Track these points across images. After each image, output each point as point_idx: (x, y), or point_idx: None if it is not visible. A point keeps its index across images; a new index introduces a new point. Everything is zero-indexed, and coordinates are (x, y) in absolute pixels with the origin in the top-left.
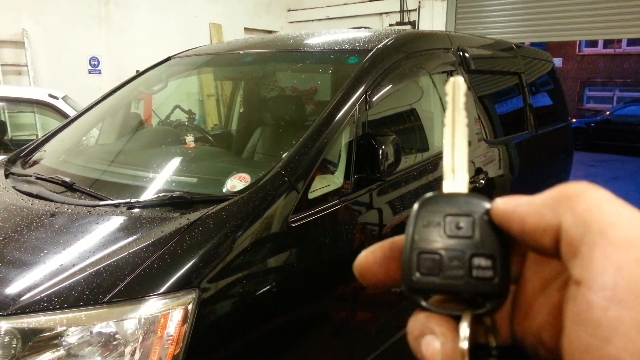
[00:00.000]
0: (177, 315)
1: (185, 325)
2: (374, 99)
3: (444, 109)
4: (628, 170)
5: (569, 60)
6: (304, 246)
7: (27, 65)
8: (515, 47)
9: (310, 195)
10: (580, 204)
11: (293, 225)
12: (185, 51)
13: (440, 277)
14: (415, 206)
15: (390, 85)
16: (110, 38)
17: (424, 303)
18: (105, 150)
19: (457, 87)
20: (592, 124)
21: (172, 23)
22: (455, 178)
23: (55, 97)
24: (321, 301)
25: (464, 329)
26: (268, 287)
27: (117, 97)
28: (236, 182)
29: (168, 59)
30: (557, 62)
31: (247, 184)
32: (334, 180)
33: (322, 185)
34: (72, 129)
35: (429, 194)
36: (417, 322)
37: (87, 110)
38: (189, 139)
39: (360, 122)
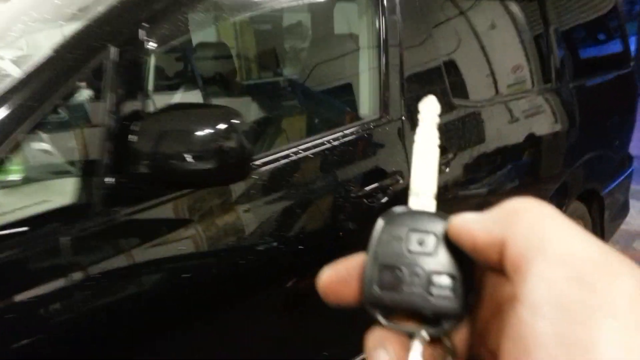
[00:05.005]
0: None
1: None
2: None
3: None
4: None
5: None
6: None
7: None
8: None
9: None
10: (523, 220)
11: None
12: None
13: (399, 293)
14: (380, 220)
15: None
16: None
17: (380, 318)
18: None
19: (430, 105)
20: None
21: None
22: (421, 196)
23: None
24: None
25: (415, 348)
26: None
27: None
28: None
29: None
30: None
31: None
32: None
33: None
34: None
35: (394, 208)
36: (374, 336)
37: None
38: None
39: None
